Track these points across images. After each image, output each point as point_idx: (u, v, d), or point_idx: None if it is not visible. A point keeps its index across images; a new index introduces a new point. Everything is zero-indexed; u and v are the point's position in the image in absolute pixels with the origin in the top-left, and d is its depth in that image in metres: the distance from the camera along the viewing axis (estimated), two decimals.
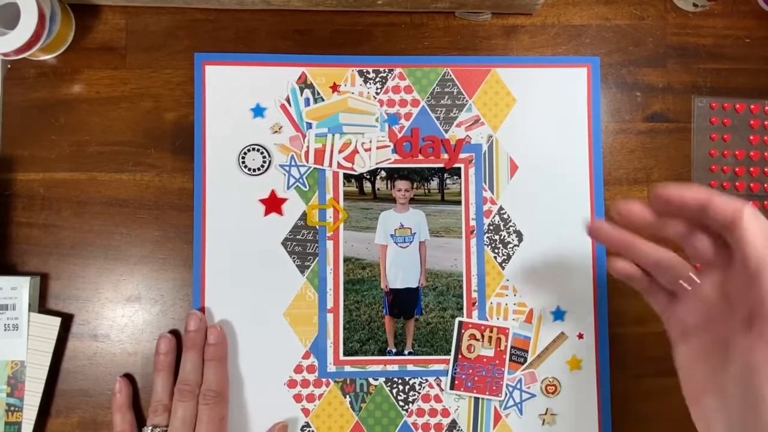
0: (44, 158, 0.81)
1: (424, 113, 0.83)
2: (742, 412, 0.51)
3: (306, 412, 0.80)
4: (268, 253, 0.81)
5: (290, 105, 0.82)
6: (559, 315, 0.82)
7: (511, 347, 0.81)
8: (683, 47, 0.86)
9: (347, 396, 0.80)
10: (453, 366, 0.81)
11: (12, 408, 0.77)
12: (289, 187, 0.81)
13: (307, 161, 0.81)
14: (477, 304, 0.82)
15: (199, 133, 0.81)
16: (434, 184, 0.82)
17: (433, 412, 0.80)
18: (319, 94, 0.82)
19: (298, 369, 0.80)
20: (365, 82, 0.82)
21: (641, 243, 0.61)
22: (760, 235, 0.51)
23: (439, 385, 0.81)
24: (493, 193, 0.82)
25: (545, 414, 0.81)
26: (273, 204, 0.81)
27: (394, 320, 0.81)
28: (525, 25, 0.85)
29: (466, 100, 0.83)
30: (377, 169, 0.82)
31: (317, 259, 0.81)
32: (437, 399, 0.81)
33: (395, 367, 0.81)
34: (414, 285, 0.82)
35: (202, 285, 0.80)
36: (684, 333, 0.59)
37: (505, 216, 0.82)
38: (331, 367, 0.80)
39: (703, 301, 0.57)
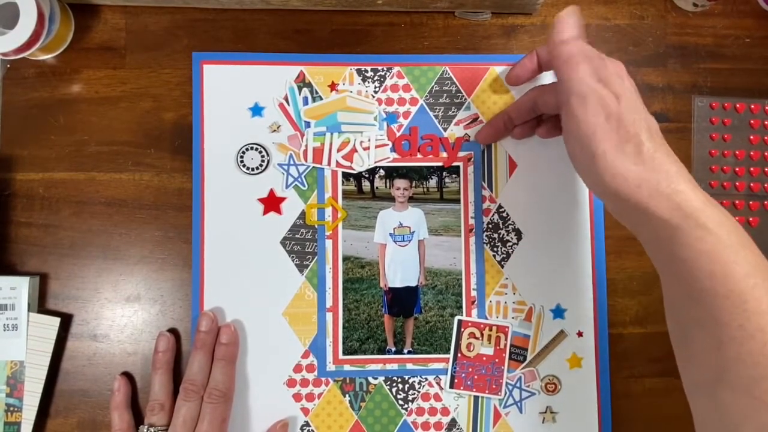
0: (43, 158, 0.81)
1: (423, 112, 0.83)
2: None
3: (305, 411, 0.80)
4: (267, 252, 0.81)
5: (288, 104, 0.82)
6: (558, 313, 0.82)
7: (511, 345, 0.81)
8: (683, 47, 0.87)
9: (347, 395, 0.80)
10: (452, 364, 0.81)
11: (11, 408, 0.77)
12: (287, 186, 0.81)
13: (306, 160, 0.81)
14: (476, 302, 0.81)
15: (197, 132, 0.81)
16: (433, 182, 0.82)
17: (432, 411, 0.80)
18: (317, 92, 0.82)
19: (298, 368, 0.80)
20: (363, 80, 0.82)
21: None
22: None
23: (438, 383, 0.81)
24: (492, 192, 0.82)
25: (545, 412, 0.81)
26: (272, 203, 0.81)
27: (393, 319, 0.81)
28: (525, 25, 0.85)
29: (465, 99, 0.83)
30: (376, 167, 0.82)
31: (316, 258, 0.81)
32: (437, 398, 0.80)
33: (395, 366, 0.80)
34: (413, 284, 0.82)
35: (201, 285, 0.80)
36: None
37: (504, 214, 0.82)
38: (331, 366, 0.80)
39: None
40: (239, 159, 0.81)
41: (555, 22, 0.69)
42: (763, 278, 0.56)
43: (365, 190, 0.82)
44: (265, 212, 0.81)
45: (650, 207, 0.60)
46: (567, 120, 0.66)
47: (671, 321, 0.63)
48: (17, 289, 0.77)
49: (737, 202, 0.84)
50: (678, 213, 0.59)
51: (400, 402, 0.80)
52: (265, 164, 0.81)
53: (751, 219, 0.84)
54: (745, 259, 0.56)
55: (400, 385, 0.80)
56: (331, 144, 0.81)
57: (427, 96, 0.83)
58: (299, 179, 0.81)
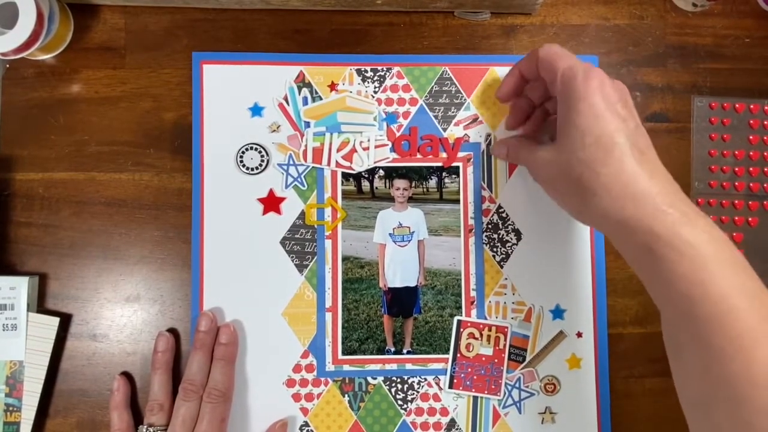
0: (43, 158, 0.81)
1: (423, 112, 0.83)
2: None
3: (305, 411, 0.80)
4: (267, 252, 0.81)
5: (288, 104, 0.82)
6: (558, 313, 0.82)
7: (510, 346, 0.81)
8: (683, 47, 0.86)
9: (346, 395, 0.80)
10: (452, 365, 0.81)
11: (11, 408, 0.77)
12: (287, 186, 0.81)
13: (306, 160, 0.81)
14: (475, 302, 0.81)
15: (197, 132, 0.81)
16: (433, 182, 0.82)
17: (431, 411, 0.80)
18: (317, 93, 0.82)
19: (297, 368, 0.80)
20: (363, 80, 0.82)
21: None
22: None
23: (437, 384, 0.81)
24: (491, 192, 0.82)
25: (544, 412, 0.81)
26: (271, 203, 0.81)
27: (392, 319, 0.81)
28: (524, 25, 0.85)
29: (465, 99, 0.83)
30: (375, 167, 0.82)
31: (315, 258, 0.81)
32: (436, 398, 0.80)
33: (394, 366, 0.80)
34: (413, 284, 0.82)
35: (201, 285, 0.80)
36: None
37: (504, 215, 0.82)
38: (330, 367, 0.80)
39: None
40: (239, 159, 0.81)
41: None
42: (742, 297, 0.56)
43: (365, 191, 0.82)
44: (265, 212, 0.81)
45: (625, 230, 0.61)
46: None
47: (665, 338, 0.63)
48: (17, 289, 0.77)
49: (736, 202, 0.84)
50: (651, 237, 0.59)
51: (400, 402, 0.80)
52: (264, 164, 0.81)
53: (750, 219, 0.84)
54: (722, 278, 0.56)
55: (400, 386, 0.80)
56: (330, 144, 0.81)
57: (426, 96, 0.83)
58: (299, 179, 0.81)
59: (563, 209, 0.72)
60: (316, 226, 0.81)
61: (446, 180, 0.82)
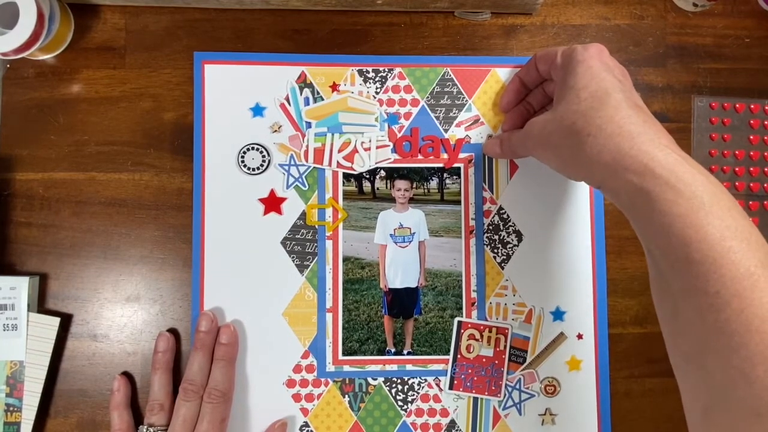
0: (43, 158, 0.81)
1: (424, 113, 0.83)
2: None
3: (305, 411, 0.80)
4: (267, 252, 0.81)
5: (290, 104, 0.82)
6: (558, 315, 0.82)
7: (511, 347, 0.81)
8: (683, 47, 0.86)
9: (346, 396, 0.80)
10: (452, 366, 0.81)
11: (11, 408, 0.77)
12: (288, 187, 0.81)
13: (307, 160, 0.81)
14: (476, 303, 0.81)
15: (198, 132, 0.81)
16: (434, 183, 0.82)
17: (432, 412, 0.80)
18: (318, 93, 0.82)
19: (297, 369, 0.80)
20: (365, 81, 0.82)
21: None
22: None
23: (438, 385, 0.81)
24: (492, 193, 0.82)
25: (545, 414, 0.81)
26: (272, 203, 0.81)
27: (393, 320, 0.81)
28: (525, 25, 0.85)
29: (466, 100, 0.83)
30: (377, 168, 0.82)
31: (316, 258, 0.81)
32: (436, 399, 0.81)
33: (394, 367, 0.81)
34: (413, 285, 0.82)
35: (201, 285, 0.80)
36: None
37: (505, 216, 0.82)
38: (330, 367, 0.80)
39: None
40: (240, 159, 0.81)
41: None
42: (739, 240, 0.54)
43: (366, 191, 0.82)
44: (266, 212, 0.81)
45: (619, 169, 0.59)
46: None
47: (658, 297, 0.61)
48: (17, 289, 0.77)
49: (737, 201, 0.84)
50: (647, 176, 0.57)
51: (400, 403, 0.80)
52: (265, 164, 0.81)
53: (750, 219, 0.84)
54: (720, 220, 0.55)
55: (400, 386, 0.80)
56: (332, 144, 0.81)
57: (428, 97, 0.83)
58: (300, 179, 0.81)
59: (555, 168, 0.70)
60: (316, 227, 0.81)
61: (447, 181, 0.82)
